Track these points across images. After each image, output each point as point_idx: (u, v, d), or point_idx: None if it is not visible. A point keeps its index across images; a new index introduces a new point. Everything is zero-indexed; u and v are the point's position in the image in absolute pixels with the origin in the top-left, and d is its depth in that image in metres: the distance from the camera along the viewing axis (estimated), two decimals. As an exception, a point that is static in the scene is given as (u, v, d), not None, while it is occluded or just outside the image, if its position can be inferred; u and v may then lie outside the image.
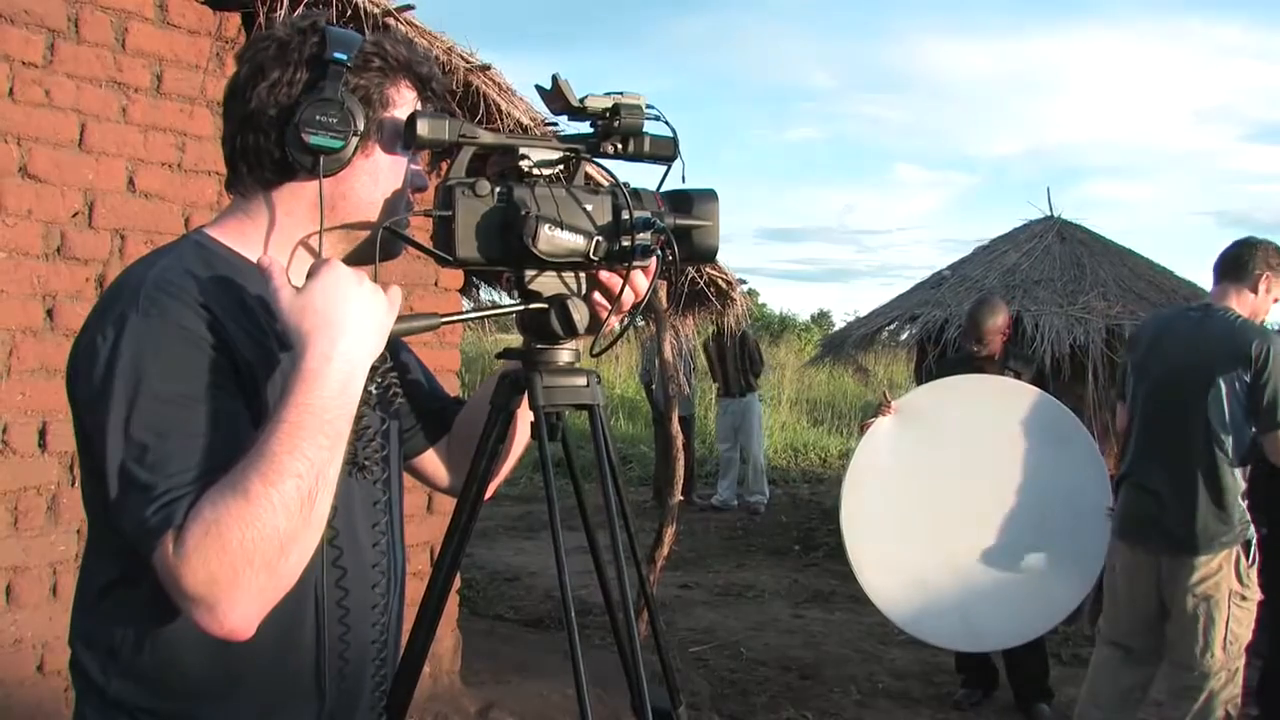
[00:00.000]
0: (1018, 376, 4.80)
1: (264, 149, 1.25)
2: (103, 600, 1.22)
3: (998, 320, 4.79)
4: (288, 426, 1.07)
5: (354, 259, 1.34)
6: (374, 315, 1.17)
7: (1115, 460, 4.15)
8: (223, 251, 1.27)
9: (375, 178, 1.28)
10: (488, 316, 1.62)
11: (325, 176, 1.24)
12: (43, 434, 2.89)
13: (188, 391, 1.11)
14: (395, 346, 1.49)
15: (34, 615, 2.87)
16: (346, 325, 1.13)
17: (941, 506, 4.24)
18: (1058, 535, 4.19)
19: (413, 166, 1.33)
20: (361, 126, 1.24)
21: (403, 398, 1.40)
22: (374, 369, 1.30)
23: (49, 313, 2.91)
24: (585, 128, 1.39)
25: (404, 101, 1.30)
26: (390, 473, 1.39)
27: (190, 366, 1.13)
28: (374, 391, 1.34)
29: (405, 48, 1.31)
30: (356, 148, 1.24)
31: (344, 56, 1.23)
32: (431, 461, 1.60)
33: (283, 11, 3.06)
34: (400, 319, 1.25)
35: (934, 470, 4.27)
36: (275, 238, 1.28)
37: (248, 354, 1.18)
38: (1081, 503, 4.15)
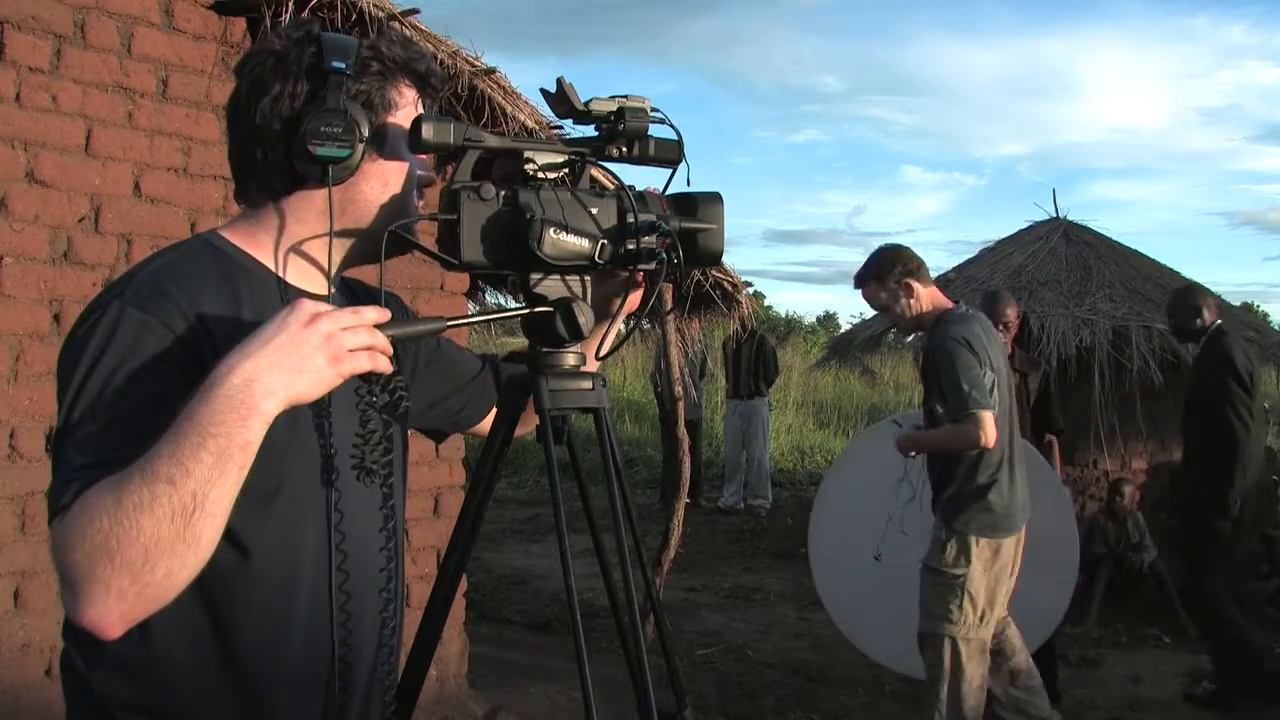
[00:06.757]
0: (1024, 379, 4.83)
1: (272, 163, 1.25)
2: None
3: (1014, 308, 4.90)
4: (172, 433, 1.06)
5: (357, 261, 1.34)
6: (299, 353, 1.10)
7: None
8: (232, 252, 1.28)
9: (384, 181, 1.29)
10: (493, 320, 1.62)
11: (334, 185, 1.24)
12: (50, 439, 2.90)
13: (139, 385, 1.12)
14: (434, 342, 1.54)
15: (42, 619, 2.87)
16: (260, 351, 1.09)
17: (892, 538, 4.25)
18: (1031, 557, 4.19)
19: (420, 171, 1.34)
20: (366, 132, 1.24)
21: (408, 401, 1.40)
22: (381, 379, 1.29)
23: (56, 318, 2.92)
24: (590, 131, 1.39)
25: (405, 102, 1.31)
26: (394, 477, 1.39)
27: (152, 363, 1.13)
28: (377, 397, 1.33)
29: (400, 47, 1.31)
30: (363, 154, 1.25)
31: (342, 65, 1.23)
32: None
33: (288, 16, 3.06)
34: (406, 323, 1.25)
35: (884, 501, 4.26)
36: (286, 243, 1.30)
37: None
38: (1039, 524, 4.15)
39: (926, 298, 3.67)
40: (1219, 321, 4.90)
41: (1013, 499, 3.63)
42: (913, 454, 3.84)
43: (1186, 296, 4.99)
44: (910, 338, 8.18)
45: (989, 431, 3.38)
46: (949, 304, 3.70)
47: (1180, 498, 5.21)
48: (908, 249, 3.71)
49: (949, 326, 3.56)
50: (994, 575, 3.58)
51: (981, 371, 3.44)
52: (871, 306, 3.88)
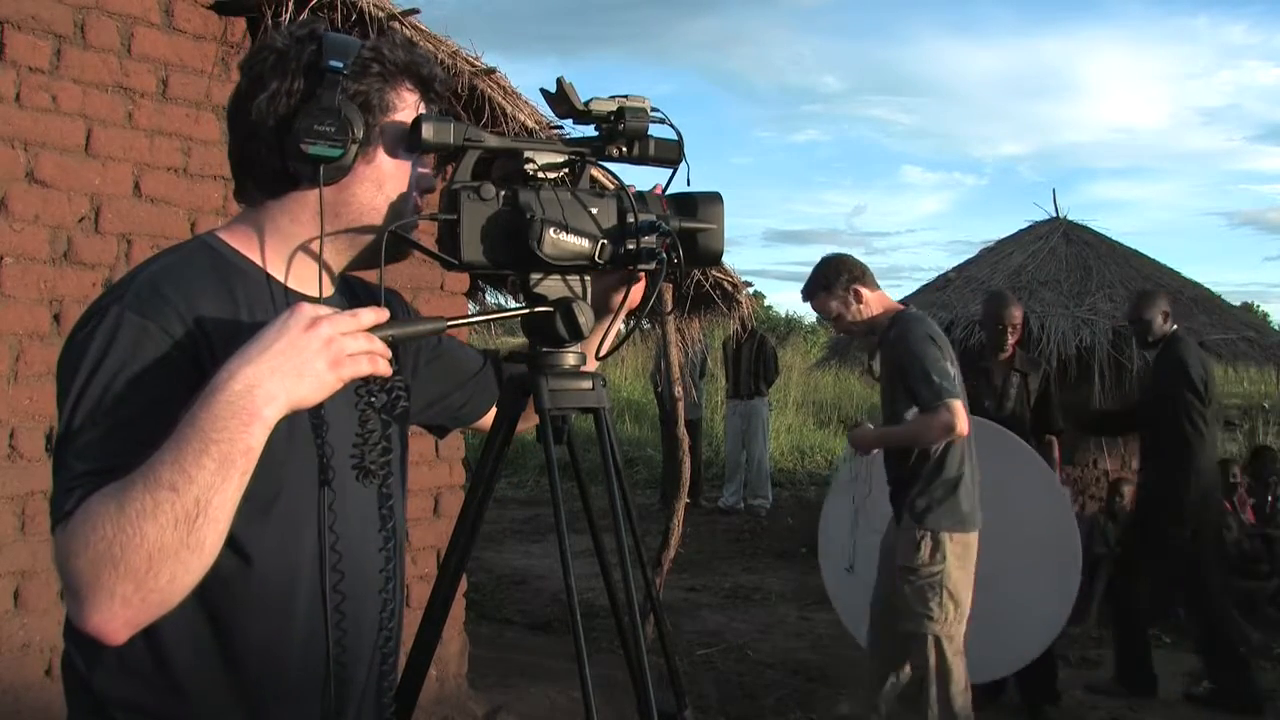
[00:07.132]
0: (1025, 379, 4.84)
1: (266, 160, 1.25)
2: None
3: (1019, 309, 4.96)
4: (174, 439, 1.06)
5: (359, 264, 1.34)
6: (300, 358, 1.10)
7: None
8: (229, 254, 1.27)
9: (379, 183, 1.28)
10: (493, 320, 1.62)
11: (327, 185, 1.24)
12: (50, 439, 2.90)
13: (139, 391, 1.12)
14: (436, 339, 1.53)
15: (42, 619, 2.87)
16: (260, 356, 1.09)
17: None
18: (1025, 562, 4.16)
19: (420, 170, 1.33)
20: (361, 133, 1.24)
21: (406, 401, 1.40)
22: (380, 379, 1.29)
23: (56, 318, 2.92)
24: (590, 131, 1.39)
25: (406, 105, 1.30)
26: (393, 477, 1.39)
27: (151, 368, 1.13)
28: (376, 397, 1.33)
29: (405, 51, 1.30)
30: (357, 154, 1.24)
31: (340, 64, 1.23)
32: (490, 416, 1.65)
33: (288, 16, 3.06)
34: (406, 323, 1.25)
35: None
36: (283, 244, 1.29)
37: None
38: (1039, 528, 4.13)
39: (876, 302, 3.69)
40: (1174, 327, 4.96)
41: (975, 493, 3.66)
42: (873, 451, 3.86)
43: (1143, 302, 5.03)
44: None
45: (961, 419, 3.40)
46: (899, 306, 3.73)
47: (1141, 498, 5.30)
48: (851, 257, 3.75)
49: (907, 324, 3.59)
50: (966, 570, 3.61)
51: (945, 364, 3.47)
52: (823, 316, 3.90)
